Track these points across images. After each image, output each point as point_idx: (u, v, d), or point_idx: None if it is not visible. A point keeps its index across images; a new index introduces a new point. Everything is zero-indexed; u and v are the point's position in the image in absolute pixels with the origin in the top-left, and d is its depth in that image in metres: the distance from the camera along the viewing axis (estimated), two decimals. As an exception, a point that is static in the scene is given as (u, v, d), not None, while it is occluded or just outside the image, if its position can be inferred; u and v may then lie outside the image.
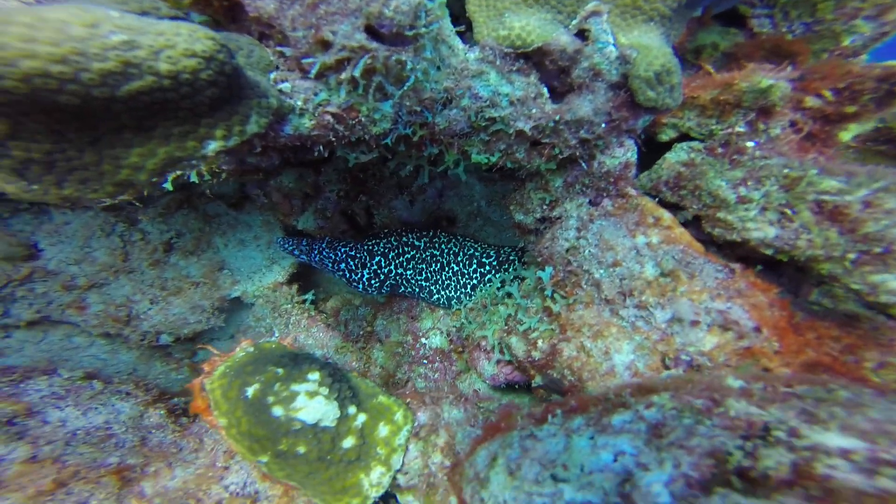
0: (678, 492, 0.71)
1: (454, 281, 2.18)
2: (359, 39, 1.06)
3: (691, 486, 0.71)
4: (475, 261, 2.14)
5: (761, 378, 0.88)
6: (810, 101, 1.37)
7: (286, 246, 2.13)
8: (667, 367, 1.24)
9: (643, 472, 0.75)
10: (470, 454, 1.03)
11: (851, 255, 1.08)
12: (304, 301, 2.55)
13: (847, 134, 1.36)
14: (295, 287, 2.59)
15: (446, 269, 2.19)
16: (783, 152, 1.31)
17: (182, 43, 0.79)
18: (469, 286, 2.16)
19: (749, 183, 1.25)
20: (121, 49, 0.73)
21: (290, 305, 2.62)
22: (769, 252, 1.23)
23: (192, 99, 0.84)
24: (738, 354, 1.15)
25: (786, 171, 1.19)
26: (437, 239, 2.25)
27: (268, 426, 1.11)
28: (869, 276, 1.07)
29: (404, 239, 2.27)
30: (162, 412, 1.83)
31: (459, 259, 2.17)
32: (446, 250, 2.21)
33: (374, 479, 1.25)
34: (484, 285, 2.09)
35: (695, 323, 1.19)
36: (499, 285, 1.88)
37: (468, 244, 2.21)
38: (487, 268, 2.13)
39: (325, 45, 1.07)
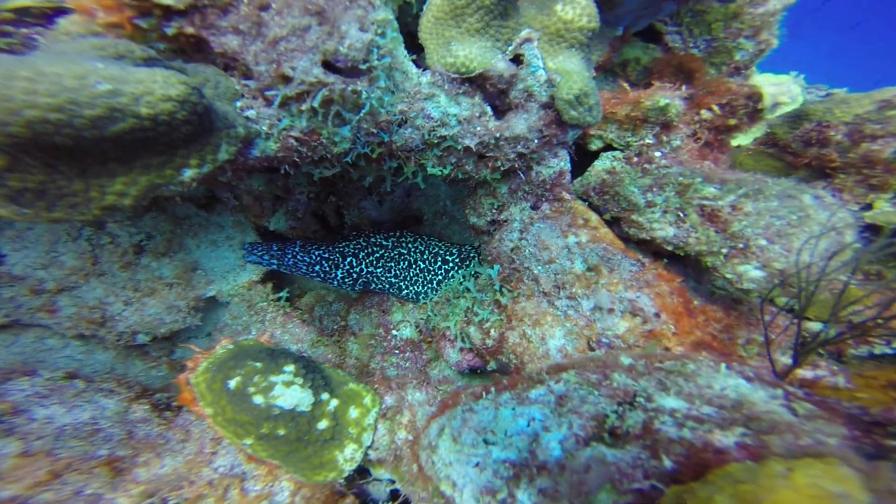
0: (568, 447, 0.94)
1: (421, 277, 2.37)
2: (316, 74, 1.20)
3: (578, 442, 0.93)
4: (439, 258, 2.34)
5: (646, 356, 1.12)
6: (705, 114, 1.61)
7: (255, 253, 2.23)
8: (591, 349, 1.48)
9: (546, 433, 0.98)
10: (425, 428, 1.24)
11: (724, 250, 1.34)
12: (279, 298, 2.67)
13: (736, 141, 1.61)
14: (270, 285, 2.70)
15: (413, 266, 2.37)
16: (683, 160, 1.55)
17: (159, 89, 0.92)
18: (435, 281, 2.35)
19: (654, 189, 1.48)
20: (106, 97, 0.86)
21: (265, 303, 2.73)
22: (669, 248, 1.48)
23: (169, 136, 0.98)
24: (644, 336, 1.39)
25: (680, 178, 1.43)
26: (403, 238, 2.42)
27: (250, 413, 1.28)
28: (737, 267, 1.33)
29: (373, 239, 2.42)
30: (146, 407, 1.96)
31: (425, 257, 2.35)
32: (413, 249, 2.38)
33: (348, 454, 1.44)
34: (447, 280, 2.29)
35: (611, 311, 1.43)
36: (460, 280, 2.08)
37: (433, 243, 2.39)
38: (451, 264, 2.32)
39: (286, 79, 1.21)
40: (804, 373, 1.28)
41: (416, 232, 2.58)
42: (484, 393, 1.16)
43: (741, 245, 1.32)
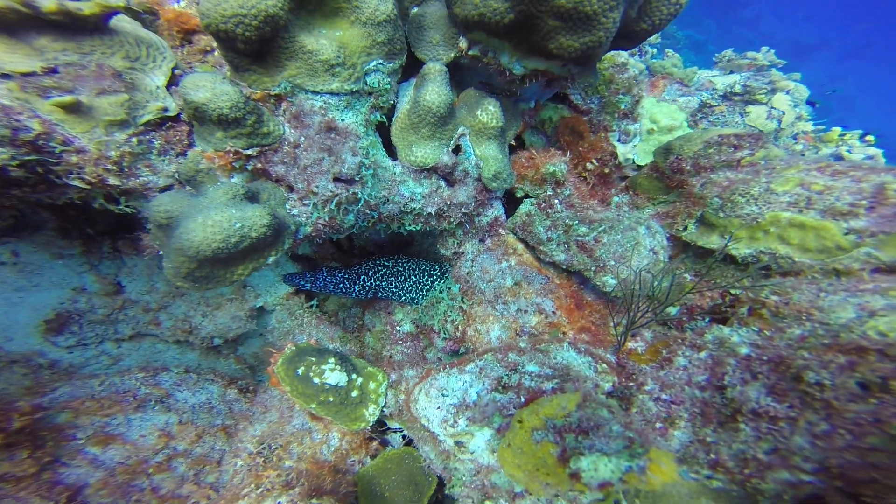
0: (482, 394, 1.80)
1: (414, 287, 3.22)
2: (330, 189, 2.02)
3: (486, 392, 1.79)
4: (426, 273, 3.17)
5: (533, 341, 1.95)
6: (589, 165, 2.36)
7: (294, 281, 3.10)
8: (518, 336, 2.32)
9: (471, 388, 1.84)
10: (411, 391, 2.12)
11: (592, 268, 2.11)
12: (311, 306, 3.57)
13: (616, 186, 2.37)
14: (303, 296, 3.61)
15: (408, 279, 3.22)
16: (574, 203, 2.32)
17: (259, 220, 1.76)
18: (424, 290, 3.20)
19: (552, 228, 2.26)
20: (239, 230, 1.70)
21: (301, 310, 3.63)
22: (564, 267, 2.27)
23: (264, 243, 1.82)
24: (548, 326, 2.21)
25: (566, 220, 2.20)
26: (400, 260, 3.27)
27: (312, 388, 2.17)
28: (601, 278, 2.11)
29: (378, 261, 3.28)
30: (235, 390, 2.90)
31: (416, 273, 3.19)
32: (407, 267, 3.23)
33: (371, 411, 2.33)
34: (432, 290, 3.14)
35: (527, 311, 2.25)
36: (439, 291, 2.92)
37: (421, 263, 3.23)
38: (434, 278, 3.16)
39: (314, 193, 2.03)
40: (632, 345, 2.08)
41: (408, 249, 3.42)
42: (443, 368, 2.02)
43: (601, 264, 2.10)
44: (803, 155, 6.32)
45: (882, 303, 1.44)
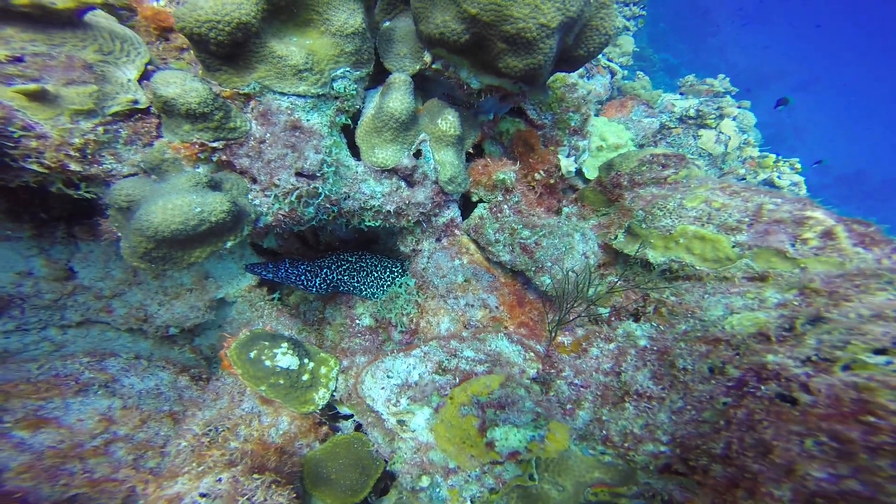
0: (423, 375, 1.97)
1: (375, 283, 3.36)
2: (292, 182, 2.16)
3: (427, 374, 1.97)
4: (387, 270, 3.32)
5: (475, 331, 2.14)
6: (538, 176, 2.61)
7: (256, 271, 3.18)
8: (466, 328, 2.51)
9: (414, 370, 2.01)
10: (359, 374, 2.27)
11: (533, 268, 2.34)
12: (273, 298, 3.64)
13: (566, 197, 2.62)
14: (266, 288, 3.67)
15: (370, 275, 3.36)
16: (521, 210, 2.55)
17: (218, 206, 1.87)
18: (385, 286, 3.35)
19: (500, 231, 2.48)
20: (199, 214, 1.81)
21: (262, 302, 3.69)
22: (509, 266, 2.50)
23: (223, 227, 1.93)
24: (491, 320, 2.42)
25: (512, 224, 2.43)
26: (363, 255, 3.41)
27: (263, 371, 2.27)
28: (540, 278, 2.35)
29: (341, 256, 3.40)
30: (187, 378, 2.93)
31: (378, 269, 3.34)
32: (369, 263, 3.37)
33: (321, 395, 2.45)
34: (391, 285, 3.29)
35: (474, 305, 2.45)
36: (398, 286, 3.08)
37: (383, 259, 3.38)
38: (395, 274, 3.32)
39: (276, 185, 2.16)
40: (562, 339, 2.32)
41: (372, 247, 3.56)
42: (391, 353, 2.18)
43: (540, 265, 2.34)
44: (744, 178, 6.93)
45: (741, 303, 1.73)
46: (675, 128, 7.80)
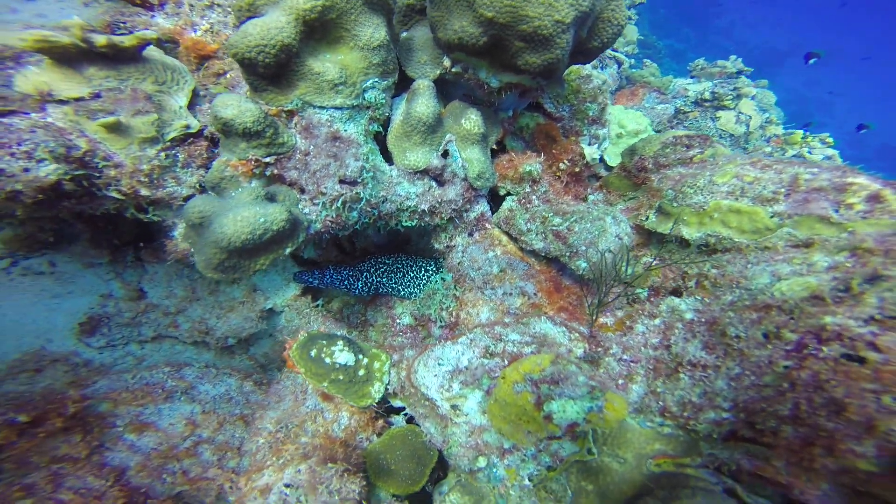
0: (473, 360, 2.09)
1: (412, 282, 3.51)
2: (336, 189, 2.33)
3: (476, 358, 2.08)
4: (423, 269, 3.47)
5: (516, 316, 2.24)
6: (562, 165, 2.70)
7: (304, 278, 3.39)
8: (506, 316, 2.61)
9: (463, 355, 2.12)
10: (411, 364, 2.40)
11: (567, 254, 2.42)
12: (317, 305, 3.85)
13: (590, 185, 2.70)
14: (309, 297, 3.89)
15: (406, 275, 3.52)
16: (550, 199, 2.64)
17: (278, 216, 2.06)
18: (421, 285, 3.49)
19: (531, 220, 2.58)
20: (262, 224, 2.00)
21: (308, 310, 3.91)
22: (543, 254, 2.59)
23: (282, 236, 2.12)
24: (530, 307, 2.51)
25: (543, 213, 2.52)
26: (399, 258, 3.58)
27: (323, 368, 2.44)
28: (575, 262, 2.43)
29: (379, 260, 3.58)
30: (251, 383, 3.15)
31: (413, 269, 3.49)
32: (405, 264, 3.53)
33: (376, 388, 2.60)
34: (428, 283, 3.43)
35: (511, 294, 2.55)
36: (435, 283, 3.22)
37: (418, 260, 3.54)
38: (430, 272, 3.46)
39: (323, 193, 2.34)
40: (603, 319, 2.37)
41: (406, 249, 3.72)
42: (439, 341, 2.31)
43: (574, 250, 2.42)
44: (771, 156, 6.73)
45: (787, 269, 1.75)
46: (692, 111, 7.68)
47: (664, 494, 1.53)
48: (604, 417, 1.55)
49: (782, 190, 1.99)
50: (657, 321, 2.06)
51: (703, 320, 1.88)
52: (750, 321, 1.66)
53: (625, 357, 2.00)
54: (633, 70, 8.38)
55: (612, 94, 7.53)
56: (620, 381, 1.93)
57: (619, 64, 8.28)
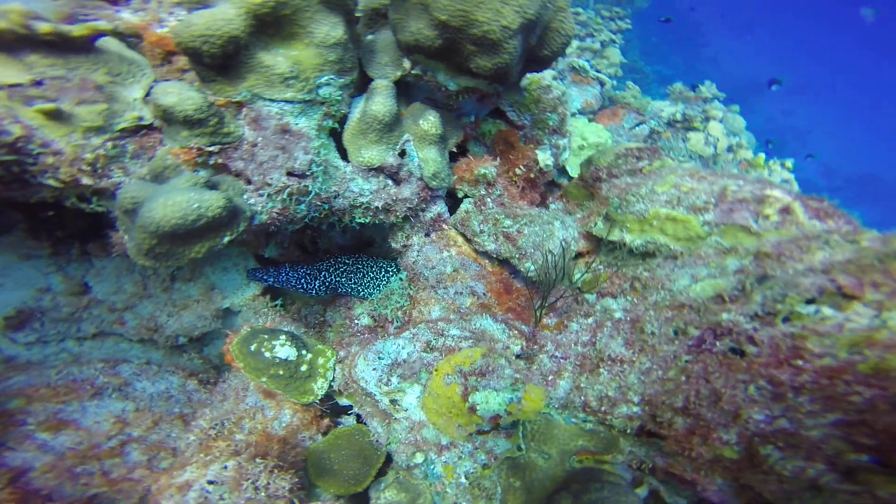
0: (412, 354, 2.07)
1: (371, 283, 3.48)
2: (283, 181, 2.32)
3: (416, 352, 2.06)
4: (382, 270, 3.45)
5: (461, 314, 2.24)
6: (518, 171, 2.75)
7: (258, 276, 3.33)
8: (455, 315, 2.60)
9: (403, 350, 2.10)
10: (353, 359, 2.36)
11: (517, 256, 2.45)
12: (276, 305, 3.77)
13: (552, 194, 2.74)
14: (269, 296, 3.81)
15: (366, 276, 3.49)
16: (504, 202, 2.68)
17: (215, 203, 2.03)
18: (381, 286, 3.47)
19: (484, 222, 2.60)
20: (197, 210, 1.97)
21: (266, 309, 3.83)
22: (495, 256, 2.61)
23: (219, 223, 2.09)
24: (479, 307, 2.51)
25: (496, 216, 2.55)
26: (360, 258, 3.55)
27: (263, 362, 2.37)
28: (524, 264, 2.45)
29: (339, 259, 3.55)
30: (195, 382, 3.04)
31: (373, 270, 3.47)
32: (366, 265, 3.51)
33: (319, 385, 2.53)
34: (387, 284, 3.41)
35: (462, 293, 2.55)
36: (393, 284, 3.20)
37: (379, 261, 3.52)
38: (389, 273, 3.45)
39: (268, 185, 2.32)
40: (547, 321, 2.39)
41: (369, 250, 3.70)
42: (381, 336, 2.28)
43: (523, 252, 2.45)
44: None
45: (705, 272, 1.81)
46: (665, 132, 7.96)
47: (577, 488, 1.52)
48: (522, 408, 1.55)
49: (712, 200, 2.07)
50: (590, 320, 2.08)
51: (628, 319, 1.91)
52: (665, 319, 1.69)
53: (556, 354, 2.01)
54: (616, 91, 8.68)
55: (594, 114, 7.76)
56: (550, 378, 1.93)
57: (602, 84, 8.57)
